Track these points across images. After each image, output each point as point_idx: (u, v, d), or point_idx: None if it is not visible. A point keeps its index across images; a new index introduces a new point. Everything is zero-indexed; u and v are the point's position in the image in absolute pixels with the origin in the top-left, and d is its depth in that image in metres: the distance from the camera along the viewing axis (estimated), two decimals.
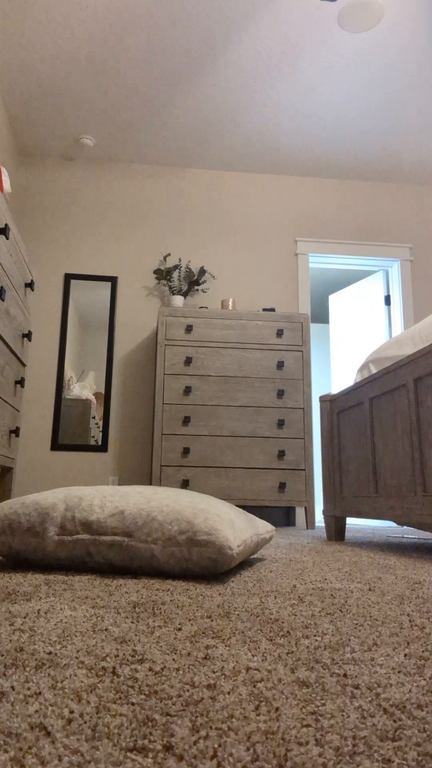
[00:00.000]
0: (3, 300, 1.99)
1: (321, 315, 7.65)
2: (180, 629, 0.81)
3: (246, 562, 1.63)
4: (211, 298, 4.40)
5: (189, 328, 3.69)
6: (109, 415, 4.15)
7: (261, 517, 4.11)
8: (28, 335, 2.41)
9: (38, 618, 0.85)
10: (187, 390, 3.58)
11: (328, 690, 0.57)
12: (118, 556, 1.32)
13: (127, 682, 0.58)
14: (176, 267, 4.32)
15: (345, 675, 0.62)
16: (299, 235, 4.61)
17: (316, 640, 0.76)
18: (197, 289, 4.36)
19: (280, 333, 3.76)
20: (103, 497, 1.43)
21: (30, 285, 2.43)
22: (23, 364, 2.44)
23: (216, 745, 0.44)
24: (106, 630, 0.79)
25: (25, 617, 0.85)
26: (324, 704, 0.53)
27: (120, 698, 0.53)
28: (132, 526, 1.31)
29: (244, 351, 3.71)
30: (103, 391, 4.18)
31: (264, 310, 3.94)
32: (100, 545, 1.32)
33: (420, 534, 3.32)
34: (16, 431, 2.32)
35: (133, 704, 0.52)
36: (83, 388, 4.17)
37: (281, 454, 3.57)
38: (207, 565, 1.26)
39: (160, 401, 3.58)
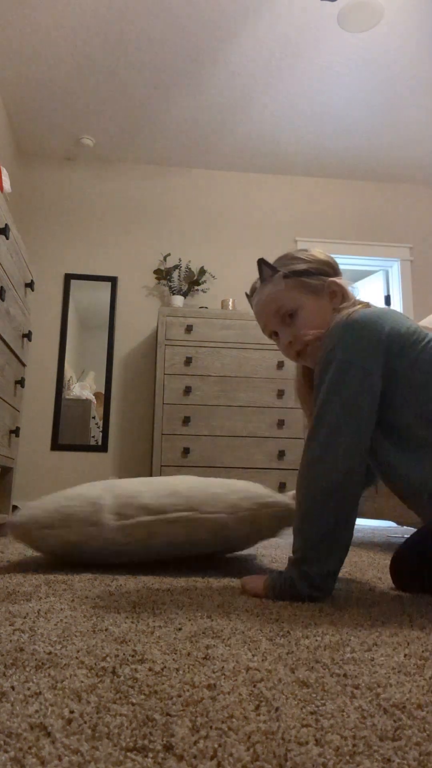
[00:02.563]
0: (3, 300, 1.99)
1: None
2: (180, 629, 0.81)
3: (246, 562, 1.63)
4: (211, 298, 4.40)
5: (189, 328, 3.69)
6: (109, 415, 4.15)
7: None
8: (28, 335, 2.41)
9: (38, 618, 0.85)
10: (187, 390, 3.59)
11: (328, 690, 0.57)
12: (182, 531, 1.35)
13: (127, 682, 0.58)
14: (176, 267, 4.32)
15: (345, 675, 0.62)
16: (299, 235, 4.61)
17: (316, 640, 0.76)
18: (197, 289, 4.36)
19: None
20: (142, 484, 1.46)
21: (30, 285, 2.43)
22: (23, 364, 2.44)
23: (216, 745, 0.44)
24: (106, 630, 0.79)
25: (25, 617, 0.85)
26: (324, 704, 0.53)
27: (120, 698, 0.53)
28: (193, 501, 1.37)
29: (244, 351, 3.71)
30: (103, 391, 4.18)
31: None
32: (163, 524, 1.35)
33: None
34: (16, 431, 2.32)
35: (133, 704, 0.52)
36: (83, 388, 4.17)
37: (281, 454, 3.57)
38: (275, 526, 1.40)
39: (160, 401, 3.58)
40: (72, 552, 1.39)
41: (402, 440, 1.11)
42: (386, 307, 1.19)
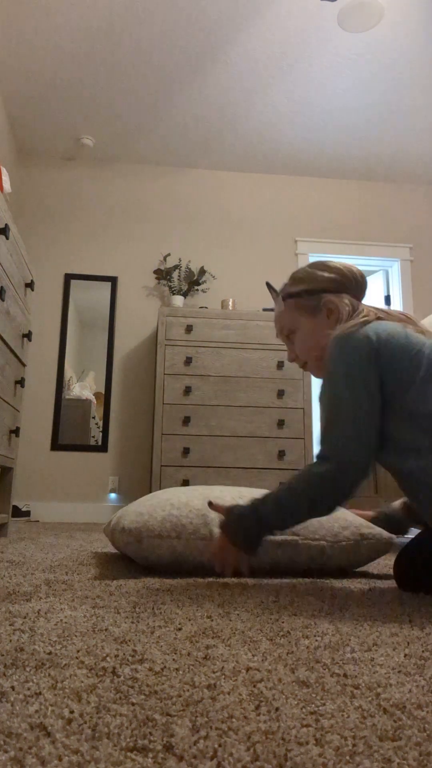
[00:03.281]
0: (3, 300, 1.99)
1: None
2: (180, 629, 0.81)
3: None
4: (211, 298, 4.40)
5: (189, 328, 3.69)
6: (109, 415, 4.15)
7: None
8: (28, 335, 2.41)
9: (38, 618, 0.85)
10: (187, 390, 3.58)
11: (328, 690, 0.57)
12: (285, 554, 1.39)
13: (127, 682, 0.58)
14: (176, 267, 4.32)
15: (345, 675, 0.62)
16: (299, 235, 4.61)
17: (316, 640, 0.76)
18: (197, 289, 4.36)
19: None
20: (234, 498, 1.47)
21: (30, 285, 2.43)
22: (23, 364, 2.44)
23: (216, 745, 0.44)
24: (106, 630, 0.79)
25: (25, 617, 0.85)
26: (324, 704, 0.53)
27: (120, 698, 0.53)
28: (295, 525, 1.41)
29: (244, 351, 3.71)
30: (103, 391, 4.18)
31: (264, 310, 3.93)
32: (270, 545, 1.38)
33: None
34: (16, 431, 2.32)
35: (133, 704, 0.52)
36: (83, 388, 4.17)
37: (281, 454, 3.57)
38: (372, 557, 1.45)
39: (160, 401, 3.58)
40: (175, 562, 1.38)
41: (403, 444, 1.14)
42: (393, 323, 1.21)
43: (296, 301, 1.32)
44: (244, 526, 1.18)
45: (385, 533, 1.47)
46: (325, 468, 1.13)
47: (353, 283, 1.31)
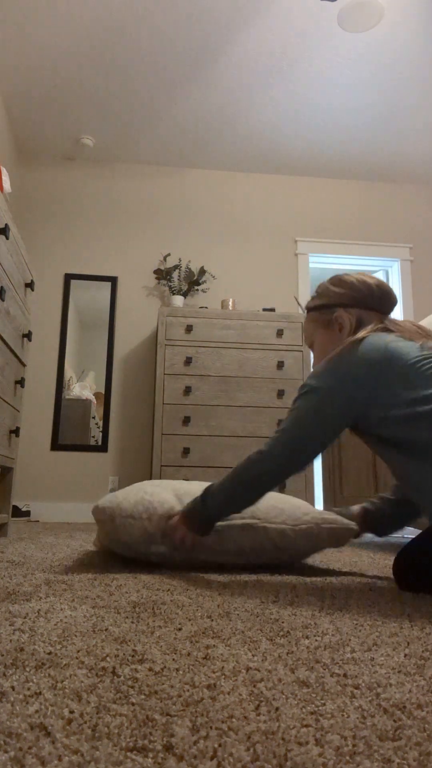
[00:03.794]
0: (3, 300, 1.99)
1: None
2: (180, 629, 0.81)
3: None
4: (211, 298, 4.40)
5: (189, 328, 3.69)
6: (109, 415, 4.14)
7: None
8: (28, 335, 2.41)
9: (38, 618, 0.85)
10: (187, 390, 3.58)
11: (328, 690, 0.57)
12: (248, 539, 1.45)
13: (127, 682, 0.58)
14: (176, 267, 4.32)
15: (345, 675, 0.62)
16: (299, 235, 4.61)
17: (316, 640, 0.76)
18: (197, 289, 4.35)
19: (280, 333, 3.76)
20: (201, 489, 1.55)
21: (30, 285, 2.43)
22: (23, 364, 2.44)
23: (216, 745, 0.44)
24: (106, 630, 0.79)
25: (25, 617, 0.85)
26: (324, 704, 0.53)
27: (120, 698, 0.53)
28: (257, 512, 1.49)
29: (244, 351, 3.71)
30: (103, 391, 4.18)
31: (264, 310, 3.93)
32: (232, 529, 1.45)
33: None
34: (16, 431, 2.32)
35: (133, 704, 0.52)
36: (83, 388, 4.17)
37: None
38: (333, 542, 1.51)
39: (160, 401, 3.58)
40: (146, 544, 1.43)
41: (405, 444, 1.20)
42: (392, 337, 1.30)
43: (314, 315, 1.43)
44: (195, 510, 1.34)
45: (345, 520, 1.54)
46: (262, 456, 1.27)
47: (369, 297, 1.37)
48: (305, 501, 3.57)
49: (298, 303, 1.67)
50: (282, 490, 3.50)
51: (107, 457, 4.08)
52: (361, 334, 1.28)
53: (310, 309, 1.44)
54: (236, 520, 1.46)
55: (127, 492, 1.53)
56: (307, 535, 1.48)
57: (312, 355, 1.47)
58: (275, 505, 1.53)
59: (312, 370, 1.38)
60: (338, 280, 1.41)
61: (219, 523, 1.44)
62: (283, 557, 1.51)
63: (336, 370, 1.25)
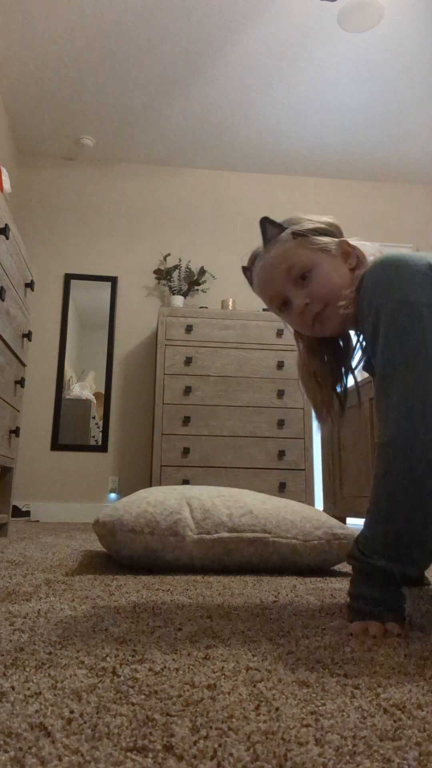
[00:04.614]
0: (3, 300, 1.99)
1: None
2: (180, 629, 0.80)
3: None
4: (211, 298, 4.40)
5: (189, 328, 3.69)
6: (109, 415, 4.14)
7: None
8: (28, 335, 2.41)
9: (38, 618, 0.85)
10: (187, 390, 3.58)
11: (328, 690, 0.57)
12: (257, 552, 1.42)
13: (127, 682, 0.58)
14: (176, 267, 4.32)
15: (345, 675, 0.62)
16: None
17: (316, 640, 0.76)
18: (197, 289, 4.35)
19: (280, 333, 3.76)
20: (212, 497, 1.51)
21: (30, 285, 2.43)
22: (23, 364, 2.44)
23: (216, 745, 0.44)
24: (106, 630, 0.79)
25: (25, 617, 0.85)
26: (324, 704, 0.53)
27: (120, 698, 0.53)
28: (268, 524, 1.45)
29: (244, 351, 3.71)
30: (103, 391, 4.18)
31: (264, 310, 3.93)
32: (240, 542, 1.41)
33: None
34: (16, 431, 2.32)
35: (133, 704, 0.52)
36: (83, 388, 4.17)
37: (281, 454, 3.57)
38: (343, 557, 1.45)
39: (160, 401, 3.58)
40: (149, 558, 1.41)
41: None
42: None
43: (310, 239, 1.10)
44: (371, 584, 0.83)
45: (356, 533, 1.47)
46: (395, 447, 0.83)
47: (343, 235, 1.16)
48: (304, 502, 3.57)
49: (272, 223, 1.23)
50: (282, 490, 3.51)
51: (107, 457, 4.07)
52: (376, 255, 1.03)
53: (304, 232, 1.11)
54: (247, 533, 1.42)
55: (128, 503, 1.48)
56: (317, 551, 1.46)
57: (302, 292, 1.07)
58: (286, 517, 1.48)
59: (320, 301, 1.04)
60: (312, 215, 1.17)
61: (226, 535, 1.39)
62: (290, 568, 1.48)
63: (421, 282, 0.88)
